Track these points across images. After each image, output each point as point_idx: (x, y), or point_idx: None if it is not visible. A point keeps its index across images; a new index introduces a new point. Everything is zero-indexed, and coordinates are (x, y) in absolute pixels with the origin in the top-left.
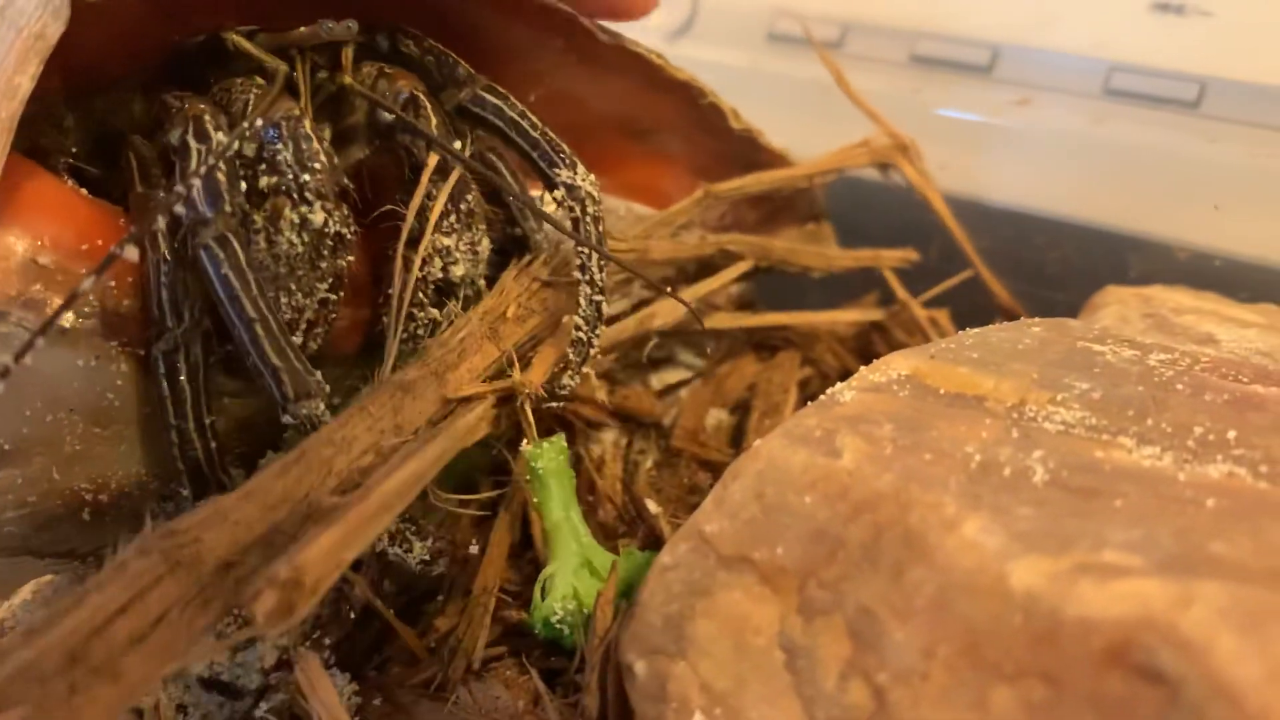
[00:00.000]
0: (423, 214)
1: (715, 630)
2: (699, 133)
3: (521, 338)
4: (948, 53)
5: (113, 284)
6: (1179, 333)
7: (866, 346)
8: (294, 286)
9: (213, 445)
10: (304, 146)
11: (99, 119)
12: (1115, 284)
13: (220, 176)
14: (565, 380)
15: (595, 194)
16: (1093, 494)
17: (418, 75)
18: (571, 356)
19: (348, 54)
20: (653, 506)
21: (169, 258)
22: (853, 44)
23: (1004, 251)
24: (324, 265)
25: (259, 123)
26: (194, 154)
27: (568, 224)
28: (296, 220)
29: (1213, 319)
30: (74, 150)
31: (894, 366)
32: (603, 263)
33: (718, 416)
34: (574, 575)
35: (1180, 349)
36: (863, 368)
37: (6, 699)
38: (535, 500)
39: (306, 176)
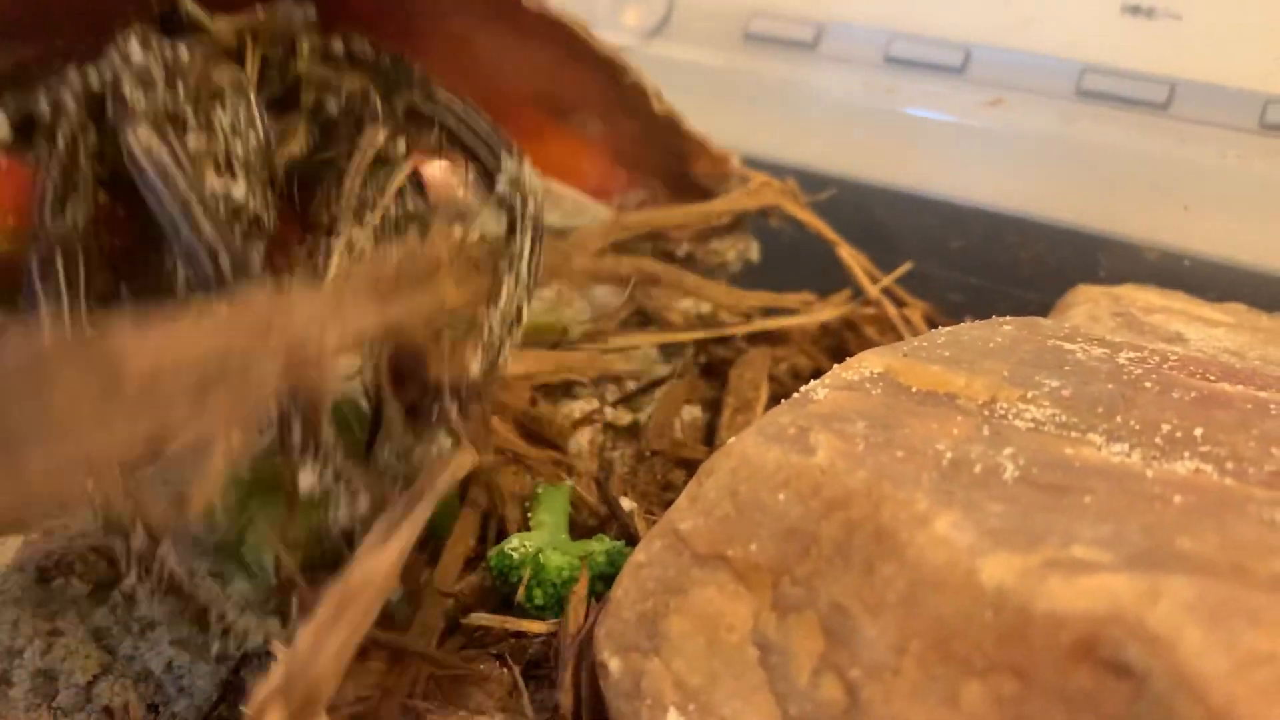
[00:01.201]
0: (348, 199)
1: (689, 627)
2: (620, 114)
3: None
4: (921, 53)
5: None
6: (1148, 331)
7: (839, 344)
8: None
9: None
10: (243, 115)
11: (28, 92)
12: (1086, 283)
13: (155, 75)
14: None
15: (539, 193)
16: (1062, 490)
17: (372, 77)
18: (480, 359)
19: (304, 47)
20: (627, 504)
21: (61, 154)
22: (827, 44)
23: (977, 250)
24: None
25: (202, 76)
26: (134, 57)
27: (504, 217)
28: (219, 189)
29: (1181, 318)
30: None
31: (867, 364)
32: (534, 262)
33: (692, 413)
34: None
35: (1149, 347)
36: (836, 365)
37: None
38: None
39: (239, 144)
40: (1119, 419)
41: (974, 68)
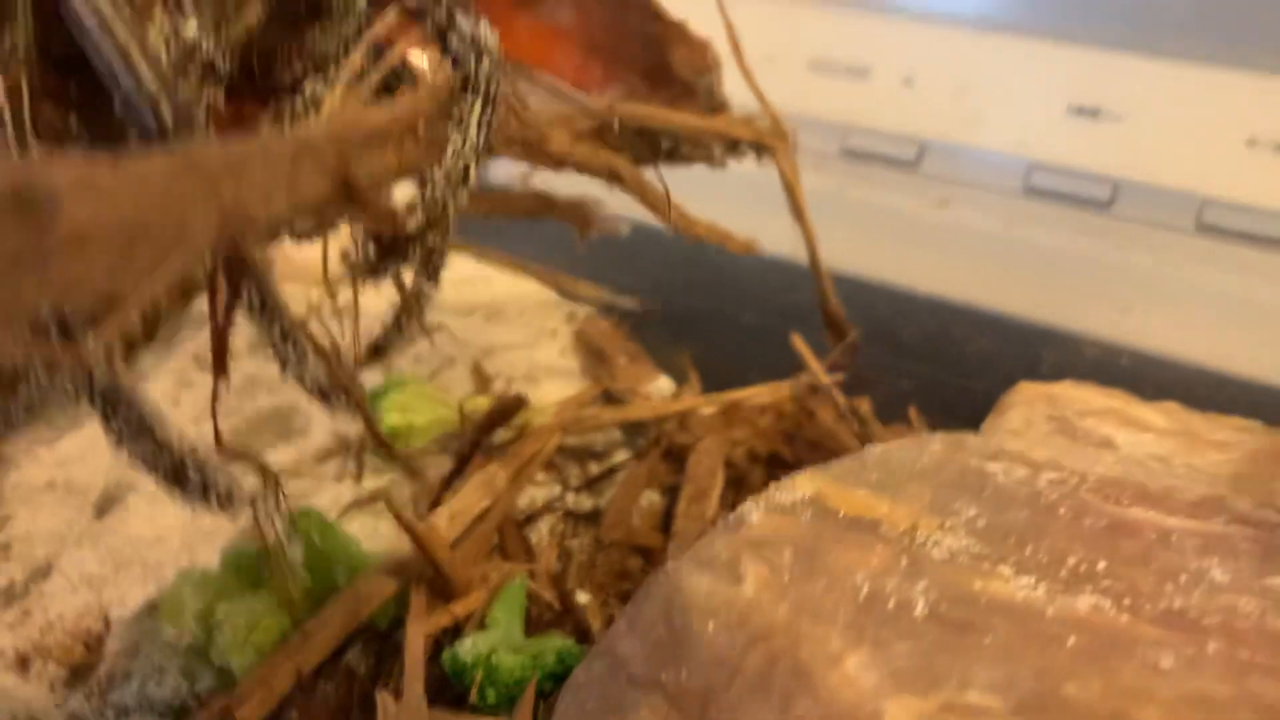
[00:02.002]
0: (310, 57)
1: None
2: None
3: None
4: (877, 147)
5: None
6: (1080, 437)
7: (795, 428)
8: None
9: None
10: None
11: None
12: (1029, 377)
13: None
14: (406, 235)
15: (494, 53)
16: (966, 628)
17: None
18: (420, 213)
19: None
20: (583, 597)
21: None
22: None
23: (927, 340)
24: (184, 83)
25: None
26: None
27: (457, 74)
28: (167, 30)
29: (1114, 421)
30: None
31: (799, 487)
32: (484, 121)
33: (650, 499)
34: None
35: (1070, 467)
36: (772, 485)
37: None
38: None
39: None
40: (1029, 550)
41: (927, 162)
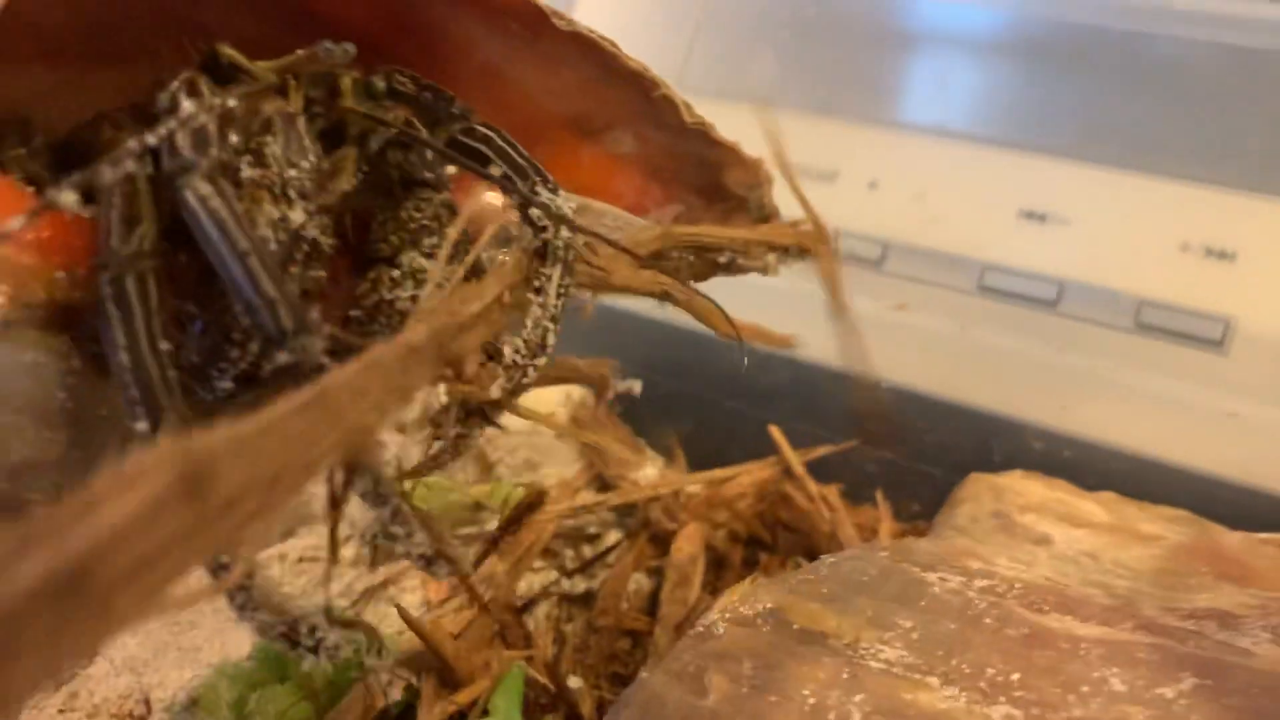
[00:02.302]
0: (404, 231)
1: None
2: (651, 128)
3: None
4: (844, 247)
5: (63, 274)
6: (1019, 534)
7: (771, 511)
8: None
9: (169, 372)
10: (294, 144)
11: (79, 148)
12: (982, 464)
13: (209, 128)
14: (489, 401)
15: (572, 221)
16: None
17: (414, 110)
18: (502, 381)
19: (346, 84)
20: (575, 682)
21: (122, 194)
22: None
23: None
24: (295, 271)
25: (251, 111)
26: (183, 108)
27: (539, 243)
28: (275, 216)
29: (1052, 517)
30: (32, 161)
31: (760, 599)
32: (563, 290)
33: (639, 581)
34: None
35: (1001, 574)
36: (735, 596)
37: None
38: None
39: (293, 173)
40: (955, 661)
41: (890, 261)
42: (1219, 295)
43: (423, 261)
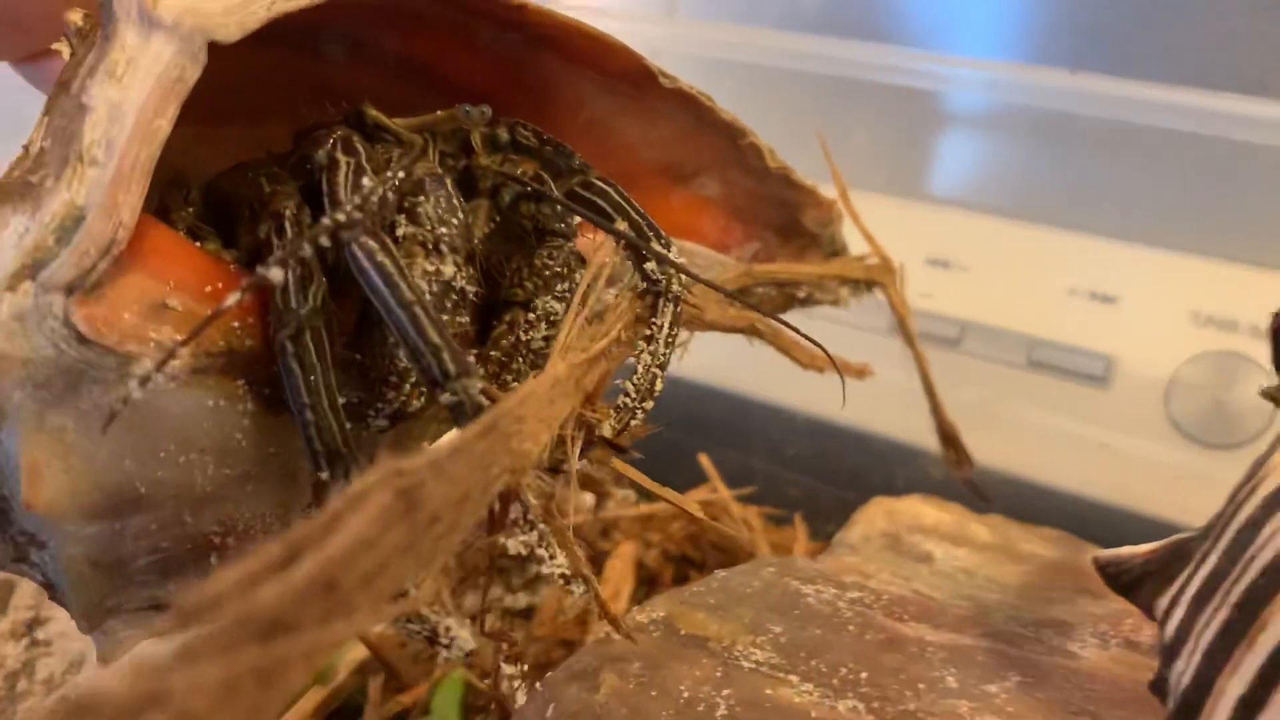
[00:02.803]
0: (538, 277)
1: None
2: (737, 172)
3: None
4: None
5: (236, 325)
6: (905, 552)
7: (699, 534)
8: None
9: (346, 424)
10: (444, 202)
11: (222, 195)
12: (887, 489)
13: (370, 187)
14: (601, 438)
15: (686, 272)
16: None
17: (538, 163)
18: (613, 420)
19: (476, 139)
20: (510, 669)
21: (297, 261)
22: None
23: (804, 455)
24: (445, 318)
25: (404, 172)
26: (343, 165)
27: (650, 296)
28: (429, 270)
29: (936, 537)
30: (193, 213)
31: (656, 609)
32: (671, 339)
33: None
34: None
35: (874, 587)
36: (635, 607)
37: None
38: None
39: (444, 230)
40: (814, 662)
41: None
42: (1102, 335)
43: (555, 305)
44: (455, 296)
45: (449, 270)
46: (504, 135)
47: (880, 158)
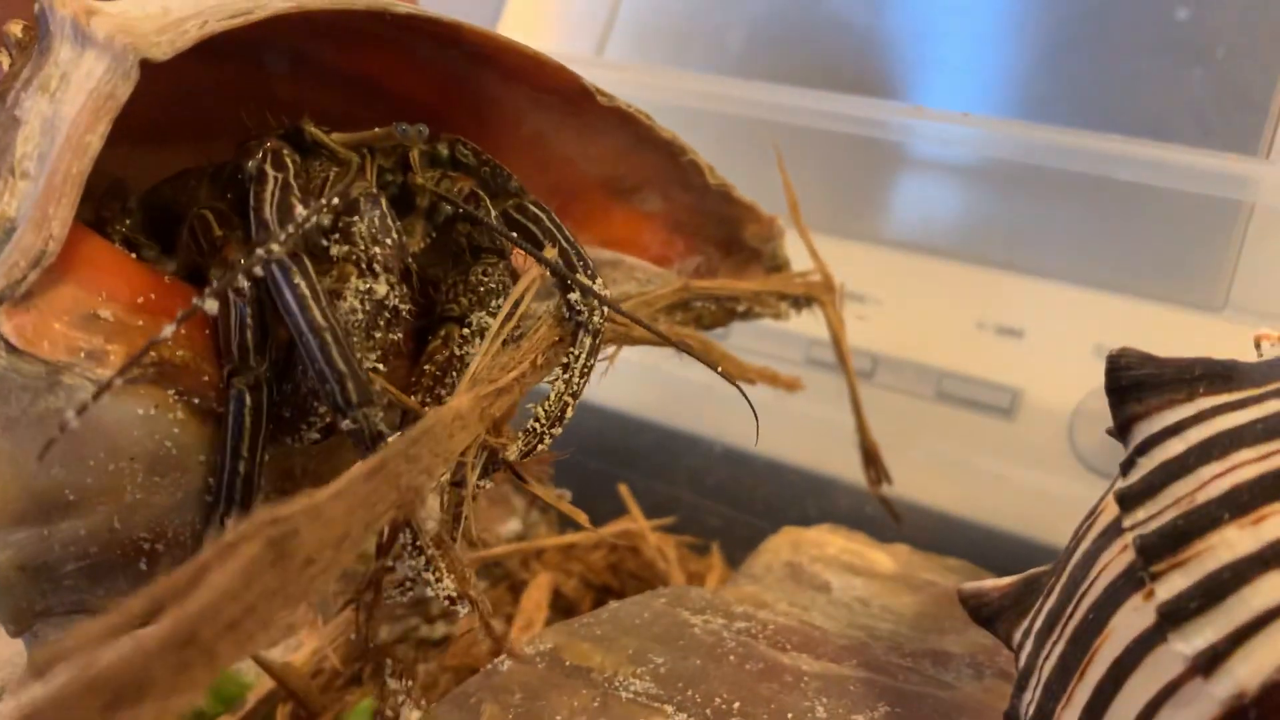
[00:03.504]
0: (473, 293)
1: None
2: (677, 188)
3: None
4: None
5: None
6: (805, 581)
7: (619, 562)
8: None
9: (260, 479)
10: (378, 222)
11: (162, 202)
12: (799, 518)
13: (296, 207)
14: (505, 461)
15: (608, 304)
16: None
17: (475, 182)
18: (520, 444)
19: (414, 156)
20: (414, 714)
21: (253, 299)
22: None
23: (723, 485)
24: (378, 336)
25: (339, 197)
26: (270, 180)
27: (570, 325)
28: (362, 289)
29: (837, 566)
30: (130, 224)
31: (544, 640)
32: (586, 370)
33: (495, 624)
34: None
35: (761, 617)
36: (524, 639)
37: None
38: None
39: (377, 249)
40: (690, 692)
41: (733, 330)
42: (1008, 368)
43: (489, 320)
44: (388, 314)
45: (382, 289)
46: (444, 151)
47: (798, 192)
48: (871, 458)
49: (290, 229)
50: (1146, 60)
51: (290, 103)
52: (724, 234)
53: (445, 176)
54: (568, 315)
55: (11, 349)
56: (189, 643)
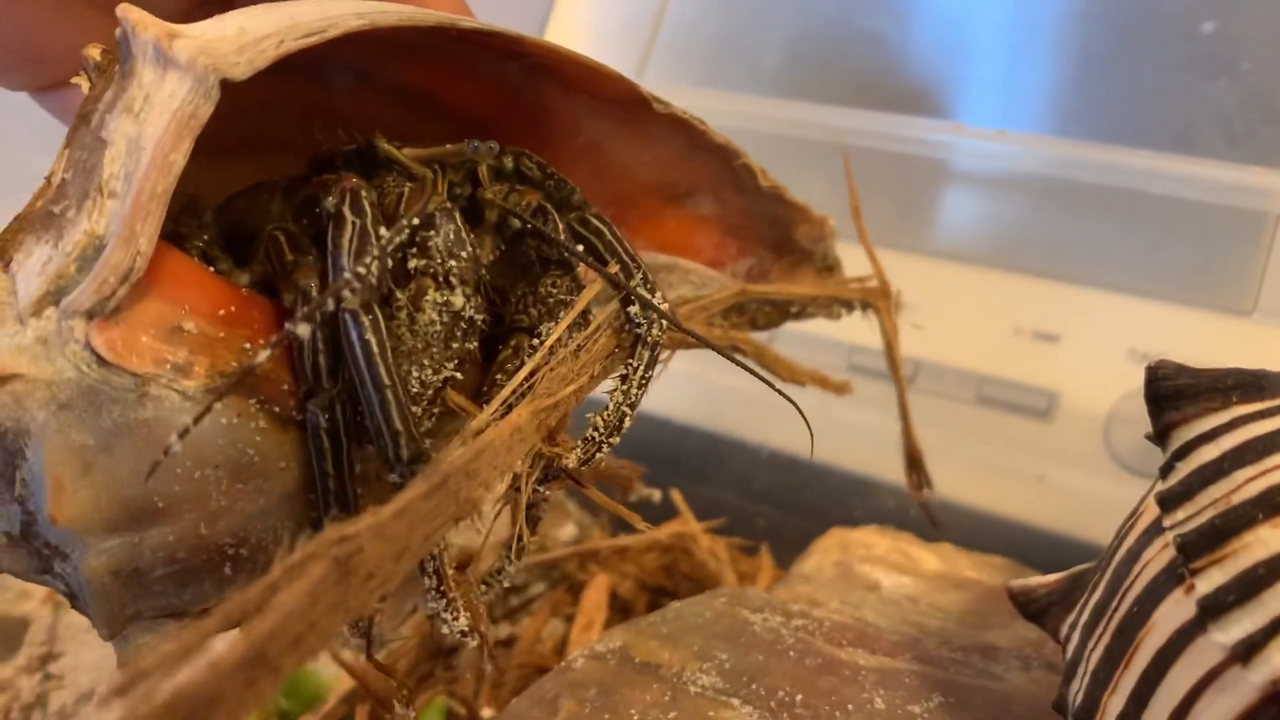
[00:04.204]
0: (543, 304)
1: None
2: (731, 192)
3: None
4: None
5: (248, 345)
6: (855, 580)
7: (672, 564)
8: (426, 363)
9: (359, 492)
10: (454, 236)
11: (236, 216)
12: (845, 519)
13: (372, 260)
14: (564, 469)
15: (665, 320)
16: None
17: (541, 196)
18: (579, 452)
19: (484, 171)
20: (488, 711)
21: (325, 326)
22: None
23: (770, 488)
24: (455, 346)
25: (417, 218)
26: (349, 224)
27: (629, 337)
28: (439, 301)
29: (885, 566)
30: (207, 239)
31: (613, 639)
32: (644, 381)
33: (554, 626)
34: None
35: (817, 615)
36: (594, 639)
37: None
38: None
39: (453, 263)
40: (754, 686)
41: (776, 335)
42: (1045, 372)
43: (557, 332)
44: (464, 325)
45: (458, 301)
46: (509, 164)
47: (837, 208)
48: (915, 463)
49: (364, 281)
50: (1174, 75)
51: (351, 116)
52: (776, 236)
53: (513, 190)
54: (627, 328)
55: (103, 362)
56: (257, 661)
